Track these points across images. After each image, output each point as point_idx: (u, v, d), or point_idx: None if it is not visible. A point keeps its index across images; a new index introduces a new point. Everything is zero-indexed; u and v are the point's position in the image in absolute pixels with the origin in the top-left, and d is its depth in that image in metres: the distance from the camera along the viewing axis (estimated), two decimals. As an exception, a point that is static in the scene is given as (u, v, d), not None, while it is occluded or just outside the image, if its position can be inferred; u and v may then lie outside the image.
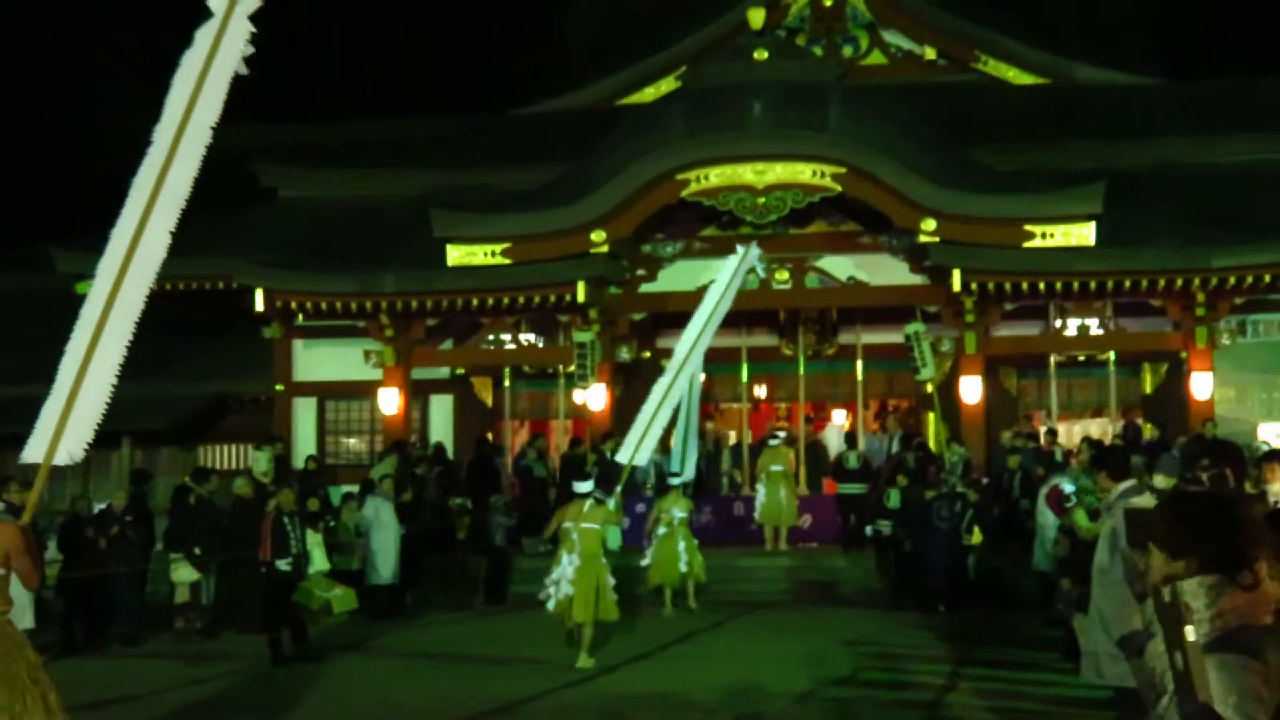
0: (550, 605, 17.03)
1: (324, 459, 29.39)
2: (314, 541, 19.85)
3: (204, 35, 9.10)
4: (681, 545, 21.16)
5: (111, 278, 8.80)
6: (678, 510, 21.49)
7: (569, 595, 16.76)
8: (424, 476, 24.97)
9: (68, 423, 8.39)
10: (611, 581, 17.24)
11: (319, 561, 20.01)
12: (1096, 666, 11.02)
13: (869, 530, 23.89)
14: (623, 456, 18.92)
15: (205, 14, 9.10)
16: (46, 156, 46.94)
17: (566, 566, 16.90)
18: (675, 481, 22.17)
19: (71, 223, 35.95)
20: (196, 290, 29.26)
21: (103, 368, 8.54)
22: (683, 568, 21.09)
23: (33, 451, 8.36)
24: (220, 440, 31.72)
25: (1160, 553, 4.10)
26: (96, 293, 8.75)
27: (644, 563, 21.28)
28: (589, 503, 17.20)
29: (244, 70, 9.07)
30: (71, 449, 8.39)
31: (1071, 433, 27.69)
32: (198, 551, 20.74)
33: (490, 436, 28.13)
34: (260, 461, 26.13)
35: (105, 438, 30.49)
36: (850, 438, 27.17)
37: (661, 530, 21.39)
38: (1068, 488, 17.97)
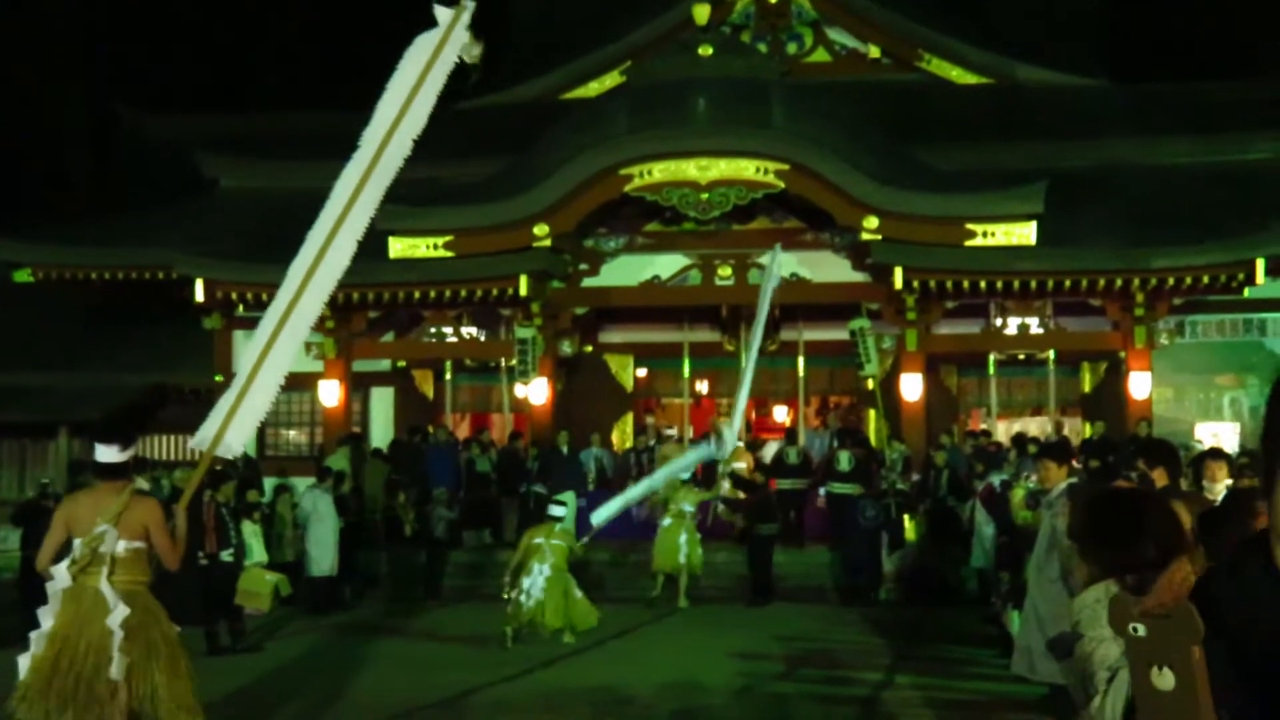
0: (519, 610, 17.53)
1: (264, 451, 29.31)
2: (251, 532, 19.76)
3: (424, 44, 9.27)
4: (683, 537, 21.38)
5: (297, 283, 9.12)
6: (686, 504, 21.71)
7: (541, 601, 17.41)
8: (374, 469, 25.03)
9: (234, 419, 8.88)
10: (579, 594, 17.97)
11: (257, 553, 19.92)
12: (1030, 663, 11.09)
13: (822, 491, 24.18)
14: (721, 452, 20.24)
15: (428, 23, 9.20)
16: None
17: (538, 575, 17.56)
18: (685, 476, 22.50)
19: (6, 211, 35.64)
20: (136, 280, 29.11)
21: (274, 370, 8.99)
22: (681, 559, 21.31)
23: (200, 439, 8.91)
24: (159, 431, 31.46)
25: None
26: (282, 297, 9.13)
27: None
28: (560, 526, 18.22)
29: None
30: (233, 443, 8.94)
31: (1011, 431, 27.87)
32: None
33: (432, 430, 27.96)
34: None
35: (42, 427, 30.14)
36: (790, 434, 27.21)
37: (667, 521, 21.63)
38: (997, 484, 18.16)
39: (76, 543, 8.97)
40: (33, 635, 9.02)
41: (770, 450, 28.13)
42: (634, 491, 20.05)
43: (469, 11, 9.19)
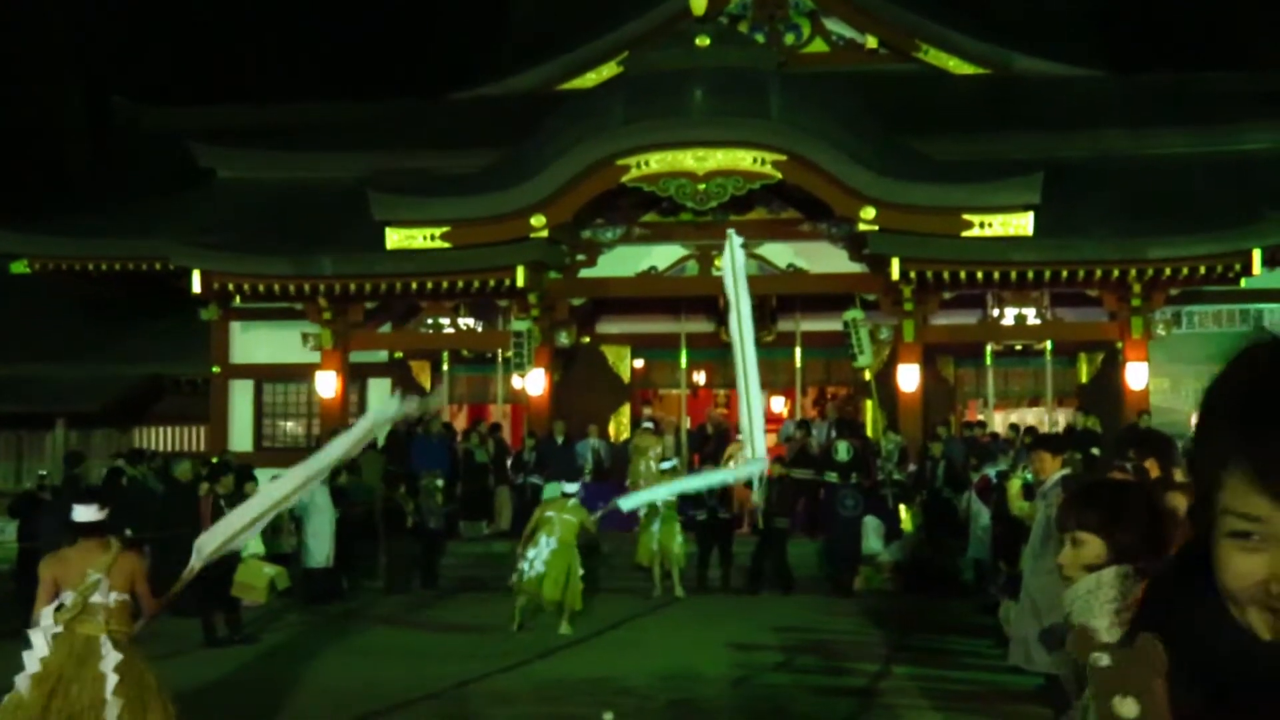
0: (521, 579, 17.64)
1: (261, 443, 29.32)
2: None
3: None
4: (656, 527, 21.34)
5: (318, 466, 10.17)
6: None
7: (541, 574, 17.48)
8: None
9: (232, 541, 9.55)
10: (581, 572, 18.02)
11: (254, 544, 19.92)
12: (1026, 653, 11.08)
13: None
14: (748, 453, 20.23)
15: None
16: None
17: (544, 548, 17.67)
18: (665, 466, 22.49)
19: (3, 203, 35.63)
20: (133, 271, 29.12)
21: (273, 511, 9.87)
22: (654, 547, 21.31)
23: (203, 551, 9.27)
24: (156, 422, 31.49)
25: (1090, 539, 4.10)
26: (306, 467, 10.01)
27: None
28: (572, 501, 18.37)
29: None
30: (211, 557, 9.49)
31: (1008, 422, 27.87)
32: (129, 533, 20.57)
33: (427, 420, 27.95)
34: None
35: (39, 419, 30.09)
36: (808, 425, 27.05)
37: (643, 512, 21.68)
38: (993, 475, 18.18)
39: (66, 594, 9.10)
40: (17, 679, 9.08)
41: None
42: (665, 489, 20.20)
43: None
